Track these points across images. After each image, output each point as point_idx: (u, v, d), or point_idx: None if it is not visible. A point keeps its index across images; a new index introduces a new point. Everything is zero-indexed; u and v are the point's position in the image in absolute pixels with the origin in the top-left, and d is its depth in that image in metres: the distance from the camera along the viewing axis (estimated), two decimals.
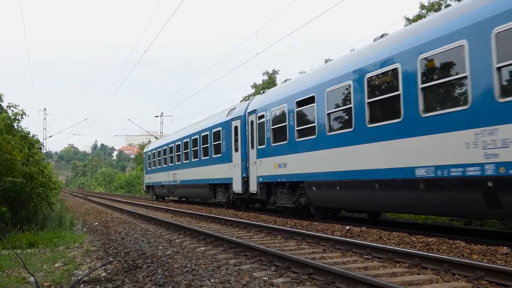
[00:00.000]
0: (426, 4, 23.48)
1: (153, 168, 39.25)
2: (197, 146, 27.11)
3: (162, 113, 71.38)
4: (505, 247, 8.49)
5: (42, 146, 20.47)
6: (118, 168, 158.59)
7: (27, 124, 34.29)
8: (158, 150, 37.38)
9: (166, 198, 39.73)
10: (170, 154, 33.36)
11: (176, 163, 31.54)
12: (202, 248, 10.64)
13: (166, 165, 34.39)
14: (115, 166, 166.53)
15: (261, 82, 38.50)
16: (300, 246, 10.46)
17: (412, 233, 11.10)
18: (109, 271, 8.61)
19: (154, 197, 40.72)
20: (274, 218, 16.54)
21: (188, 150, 28.67)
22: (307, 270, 7.23)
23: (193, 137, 27.97)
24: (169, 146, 33.75)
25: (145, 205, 30.48)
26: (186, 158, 29.24)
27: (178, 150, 31.24)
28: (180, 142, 30.88)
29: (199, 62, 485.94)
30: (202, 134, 26.16)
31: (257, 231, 13.41)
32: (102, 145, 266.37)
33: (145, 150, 45.17)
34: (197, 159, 26.97)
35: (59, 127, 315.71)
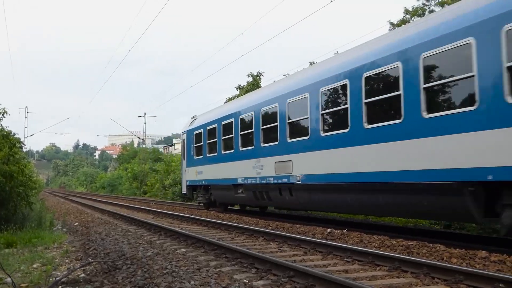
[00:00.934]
0: (410, 9, 23.67)
1: (208, 156, 22.79)
2: (397, 89, 11.03)
3: (145, 113, 71.32)
4: (483, 251, 8.56)
5: (23, 145, 20.22)
6: (100, 168, 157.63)
7: (7, 122, 33.05)
8: (227, 121, 20.66)
9: (229, 207, 24.17)
10: (264, 125, 17.34)
11: (290, 140, 15.57)
12: (183, 249, 10.59)
13: (250, 148, 18.36)
14: (97, 166, 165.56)
15: (245, 84, 38.44)
16: (281, 249, 10.46)
17: (393, 236, 11.15)
18: (88, 272, 8.51)
19: (202, 204, 25.37)
20: (255, 220, 16.52)
21: (339, 109, 13.23)
22: (287, 273, 7.23)
23: (369, 74, 12.07)
24: (263, 110, 17.51)
25: (127, 206, 30.34)
26: (336, 126, 13.44)
27: (294, 115, 15.46)
28: (306, 96, 14.66)
29: (184, 63, 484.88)
30: (426, 57, 10.34)
31: (239, 233, 13.40)
32: (84, 144, 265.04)
33: (187, 128, 26.49)
34: (399, 121, 10.97)
35: (40, 125, 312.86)
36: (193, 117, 26.94)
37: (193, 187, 25.49)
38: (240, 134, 19.24)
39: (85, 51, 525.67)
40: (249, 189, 18.51)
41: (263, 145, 17.36)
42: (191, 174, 25.33)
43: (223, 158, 20.94)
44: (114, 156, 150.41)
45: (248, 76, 38.60)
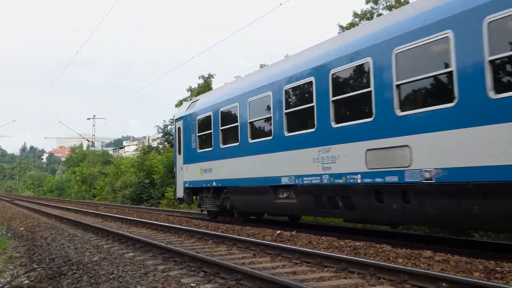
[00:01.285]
0: (359, 13, 24.15)
1: (223, 147, 16.94)
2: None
3: (94, 115, 70.00)
4: (428, 251, 8.73)
5: None
6: (48, 171, 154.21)
7: None
8: (258, 97, 14.86)
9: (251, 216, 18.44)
10: (338, 94, 11.50)
11: (403, 113, 9.69)
12: (131, 254, 10.44)
13: (309, 131, 12.48)
14: (44, 169, 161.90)
15: (196, 86, 38.37)
16: (231, 251, 10.44)
17: (341, 237, 11.24)
18: (33, 279, 8.31)
19: (207, 212, 19.65)
20: (206, 223, 16.45)
21: None
22: (235, 276, 7.21)
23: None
24: (335, 73, 11.56)
25: (75, 210, 29.72)
26: None
27: (413, 71, 9.50)
28: (448, 34, 8.75)
29: (136, 65, 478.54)
30: None
31: (188, 236, 13.30)
32: (32, 147, 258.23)
33: (185, 113, 20.30)
34: None
35: None
36: (191, 99, 21.39)
37: (195, 190, 19.58)
38: (286, 113, 13.46)
39: (32, 52, 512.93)
40: (306, 193, 12.73)
41: (335, 125, 11.56)
42: (193, 173, 19.18)
43: (252, 149, 15.10)
44: (63, 159, 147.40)
45: (199, 78, 38.56)
